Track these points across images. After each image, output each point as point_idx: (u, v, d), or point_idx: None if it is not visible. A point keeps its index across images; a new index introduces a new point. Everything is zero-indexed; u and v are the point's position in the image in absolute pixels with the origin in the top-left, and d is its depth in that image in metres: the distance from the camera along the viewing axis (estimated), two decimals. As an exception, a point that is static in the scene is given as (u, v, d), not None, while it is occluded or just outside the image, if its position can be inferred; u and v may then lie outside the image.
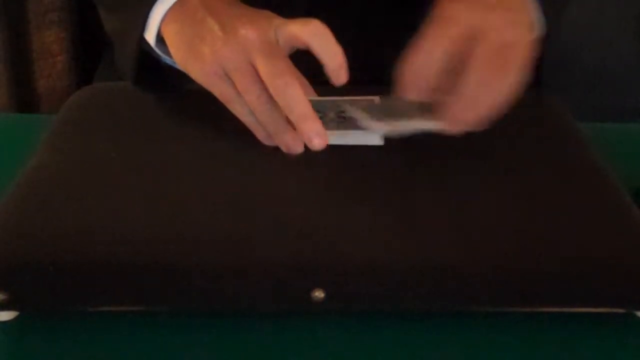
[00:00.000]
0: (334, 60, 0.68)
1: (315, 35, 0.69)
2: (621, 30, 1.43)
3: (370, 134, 0.71)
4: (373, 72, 0.77)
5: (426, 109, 0.71)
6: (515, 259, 0.61)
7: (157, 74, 0.81)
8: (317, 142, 0.67)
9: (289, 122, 0.69)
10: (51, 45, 1.38)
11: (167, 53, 0.77)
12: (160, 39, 0.77)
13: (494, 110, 0.70)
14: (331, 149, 0.73)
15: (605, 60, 1.41)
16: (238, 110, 0.71)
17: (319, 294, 0.60)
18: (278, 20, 0.70)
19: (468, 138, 0.75)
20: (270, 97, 0.68)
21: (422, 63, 0.70)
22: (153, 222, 0.63)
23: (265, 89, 0.68)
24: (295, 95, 0.67)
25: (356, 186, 0.68)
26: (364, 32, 0.95)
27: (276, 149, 0.72)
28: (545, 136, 0.77)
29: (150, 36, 0.77)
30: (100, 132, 0.75)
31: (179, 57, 0.74)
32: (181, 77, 0.76)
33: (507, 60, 0.70)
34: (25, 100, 1.39)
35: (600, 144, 0.75)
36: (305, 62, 0.91)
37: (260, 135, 0.71)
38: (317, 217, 0.64)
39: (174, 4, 0.75)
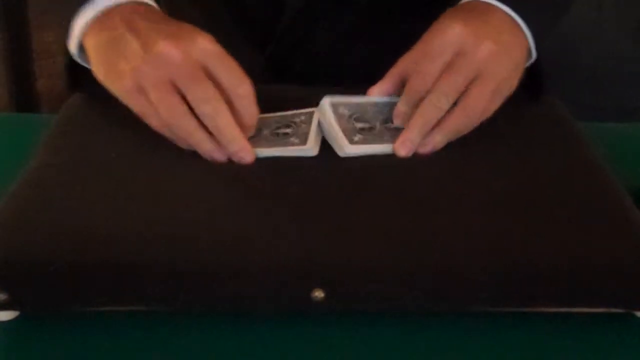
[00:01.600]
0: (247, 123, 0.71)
1: (240, 97, 0.70)
2: (621, 30, 1.43)
3: (302, 151, 0.71)
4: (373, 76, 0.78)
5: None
6: (515, 259, 0.61)
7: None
8: (245, 160, 0.70)
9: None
10: (51, 45, 1.38)
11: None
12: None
13: (444, 136, 0.72)
14: (331, 149, 0.73)
15: (604, 60, 1.41)
16: (154, 123, 0.71)
17: (319, 294, 0.60)
18: (202, 42, 0.69)
19: (467, 138, 0.75)
20: (186, 111, 0.69)
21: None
22: (153, 222, 0.63)
23: (179, 102, 0.69)
24: (224, 121, 0.69)
25: (356, 186, 0.68)
26: (365, 38, 0.95)
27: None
28: (546, 136, 0.77)
29: (72, 46, 0.76)
30: (100, 132, 0.75)
31: (100, 74, 0.74)
32: None
33: (472, 90, 0.72)
34: (25, 100, 1.39)
35: (600, 144, 0.75)
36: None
37: (180, 144, 0.71)
38: (317, 217, 0.64)
39: (96, 17, 0.74)
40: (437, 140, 0.72)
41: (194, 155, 0.71)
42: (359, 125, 0.74)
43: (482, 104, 0.72)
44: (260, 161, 0.71)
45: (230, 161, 0.71)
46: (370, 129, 0.74)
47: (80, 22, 0.75)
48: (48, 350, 0.60)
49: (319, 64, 0.95)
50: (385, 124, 0.74)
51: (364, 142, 0.72)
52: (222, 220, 0.64)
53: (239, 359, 0.60)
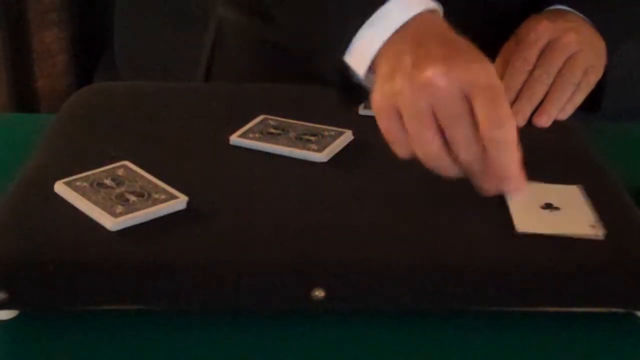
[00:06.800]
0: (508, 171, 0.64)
1: (492, 141, 0.63)
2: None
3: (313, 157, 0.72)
4: None
5: None
6: (515, 259, 0.61)
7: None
8: (515, 194, 0.65)
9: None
10: (51, 45, 1.38)
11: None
12: None
13: (553, 106, 0.81)
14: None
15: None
16: (400, 150, 0.66)
17: (319, 293, 0.60)
18: (475, 73, 0.64)
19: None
20: (440, 148, 0.64)
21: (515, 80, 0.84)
22: (152, 222, 0.63)
23: (436, 139, 0.64)
24: (479, 169, 0.64)
25: (356, 186, 0.68)
26: None
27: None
28: (545, 136, 0.77)
29: (361, 67, 0.71)
30: (100, 131, 0.75)
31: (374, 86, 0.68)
32: None
33: (565, 66, 0.83)
34: (25, 100, 1.39)
35: (600, 144, 0.75)
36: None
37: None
38: (317, 217, 0.64)
39: (389, 38, 0.69)
40: (549, 109, 0.81)
41: (192, 155, 0.71)
42: None
43: (575, 78, 0.82)
44: (259, 161, 0.71)
45: (229, 161, 0.71)
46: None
47: (375, 42, 0.69)
48: (48, 350, 0.60)
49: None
50: None
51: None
52: (222, 220, 0.64)
53: (239, 359, 0.60)
